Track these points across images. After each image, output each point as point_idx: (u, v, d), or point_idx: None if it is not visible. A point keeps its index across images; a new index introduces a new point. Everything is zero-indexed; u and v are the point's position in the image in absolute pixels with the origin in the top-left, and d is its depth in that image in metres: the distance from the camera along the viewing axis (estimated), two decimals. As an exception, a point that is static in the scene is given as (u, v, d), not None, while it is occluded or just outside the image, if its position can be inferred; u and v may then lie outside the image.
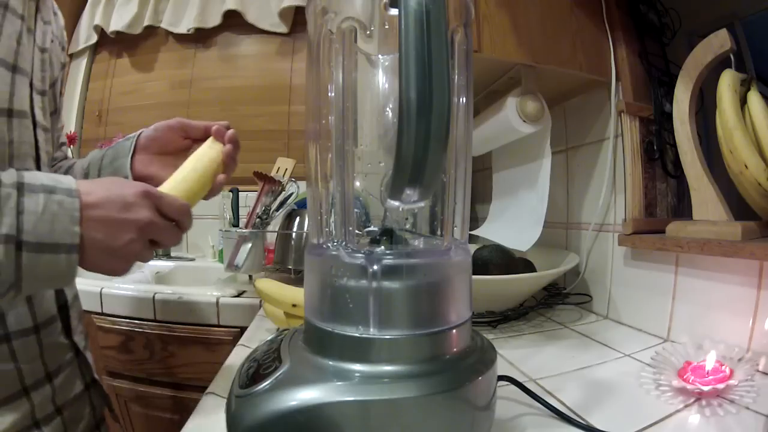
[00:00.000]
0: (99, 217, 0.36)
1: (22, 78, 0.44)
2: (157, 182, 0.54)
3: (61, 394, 0.49)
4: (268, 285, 0.63)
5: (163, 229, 0.40)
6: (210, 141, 0.52)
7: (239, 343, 0.63)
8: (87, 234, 0.35)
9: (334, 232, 0.35)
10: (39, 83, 0.48)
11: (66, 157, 0.67)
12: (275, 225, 1.10)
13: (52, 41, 0.53)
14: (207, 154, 0.50)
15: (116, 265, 0.38)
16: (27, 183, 0.33)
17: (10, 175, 0.33)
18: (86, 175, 0.61)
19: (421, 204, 0.33)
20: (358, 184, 0.35)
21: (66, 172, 0.63)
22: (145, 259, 0.40)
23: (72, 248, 0.34)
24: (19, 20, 0.43)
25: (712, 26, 0.58)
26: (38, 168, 0.48)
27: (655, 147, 0.67)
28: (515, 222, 0.82)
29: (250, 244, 1.02)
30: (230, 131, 0.52)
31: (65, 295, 0.53)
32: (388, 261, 0.30)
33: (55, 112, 0.56)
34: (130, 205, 0.37)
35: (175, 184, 0.45)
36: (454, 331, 0.32)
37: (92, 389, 0.55)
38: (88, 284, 0.98)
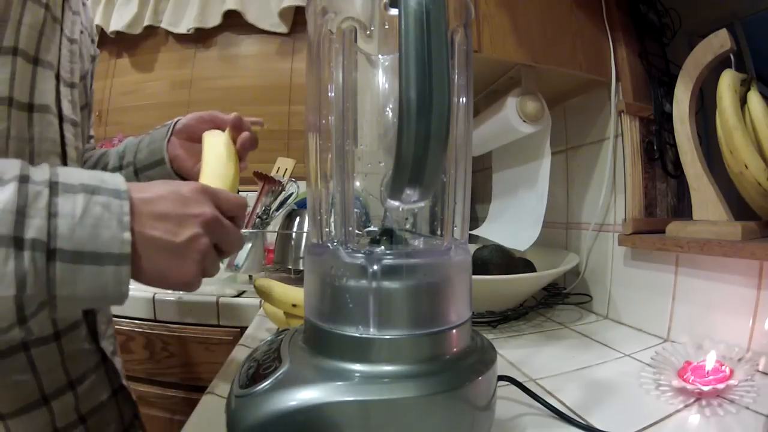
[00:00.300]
0: (155, 212, 0.31)
1: (46, 71, 0.41)
2: (179, 163, 0.57)
3: (86, 401, 0.46)
4: (268, 285, 0.63)
5: (226, 227, 0.35)
6: (211, 133, 0.52)
7: (239, 343, 0.63)
8: (142, 234, 0.30)
9: (334, 232, 0.35)
10: (68, 75, 0.45)
11: (94, 148, 0.67)
12: (275, 225, 1.10)
13: (81, 32, 0.50)
14: (222, 142, 0.50)
15: (182, 268, 0.32)
16: (62, 182, 0.28)
17: (42, 172, 0.28)
18: (122, 158, 0.61)
19: (421, 204, 0.33)
20: (358, 184, 0.35)
21: (98, 160, 0.64)
22: (213, 268, 0.35)
23: (122, 259, 0.28)
24: (42, 9, 0.40)
25: (712, 26, 0.58)
26: (65, 165, 0.45)
27: (655, 147, 0.67)
28: (515, 222, 0.82)
29: (250, 244, 1.02)
30: (248, 118, 0.53)
31: None
32: (388, 261, 0.30)
33: (86, 106, 0.54)
34: (188, 200, 0.33)
35: (215, 178, 0.44)
36: (454, 331, 0.32)
37: (120, 395, 0.53)
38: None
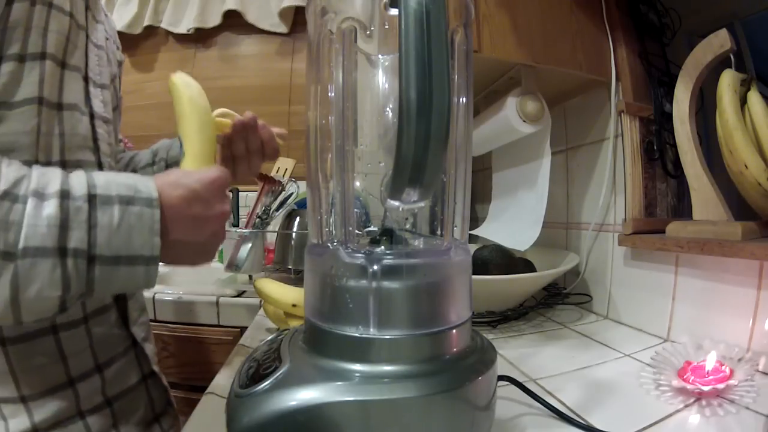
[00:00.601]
0: (182, 216, 0.35)
1: (73, 73, 0.44)
2: None
3: (113, 385, 0.48)
4: (268, 285, 0.63)
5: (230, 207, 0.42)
6: (184, 81, 0.51)
7: (239, 343, 0.63)
8: (170, 237, 0.34)
9: (334, 232, 0.35)
10: (97, 77, 0.49)
11: (123, 150, 0.70)
12: (275, 225, 1.10)
13: (107, 39, 0.54)
14: (198, 94, 0.50)
15: (205, 257, 0.40)
16: (99, 194, 0.31)
17: (80, 184, 0.31)
18: (154, 155, 0.67)
19: (421, 204, 0.33)
20: (358, 184, 0.35)
21: (129, 162, 0.68)
22: (222, 241, 0.42)
23: (151, 260, 0.33)
24: (66, 17, 0.42)
25: (712, 26, 0.58)
26: (98, 160, 0.48)
27: (655, 147, 0.67)
28: (515, 222, 0.82)
29: (250, 244, 1.02)
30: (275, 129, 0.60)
31: None
32: (388, 261, 0.30)
33: (117, 108, 0.57)
34: (208, 202, 0.37)
35: (202, 160, 0.47)
36: (454, 331, 0.32)
37: (150, 381, 0.54)
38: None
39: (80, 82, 0.45)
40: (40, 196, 0.29)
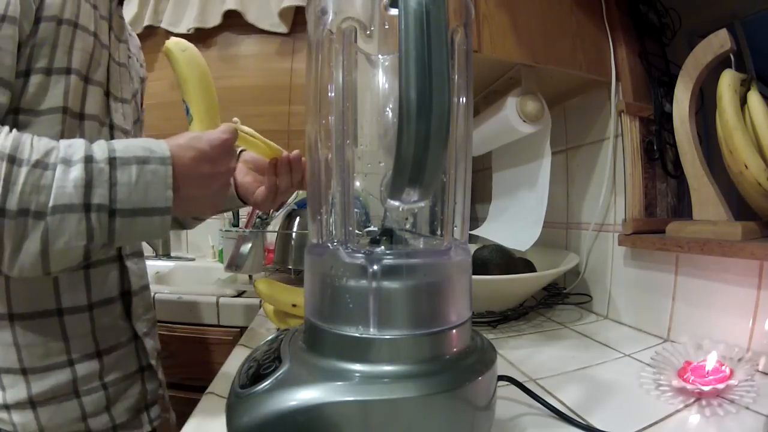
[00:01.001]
0: (192, 174, 0.39)
1: (95, 87, 0.48)
2: (245, 190, 0.64)
3: (111, 371, 0.51)
4: (268, 285, 0.63)
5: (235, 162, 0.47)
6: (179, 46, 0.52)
7: (239, 343, 0.63)
8: (181, 193, 0.38)
9: (334, 232, 0.35)
10: (118, 92, 0.53)
11: None
12: (275, 225, 1.10)
13: (129, 57, 0.58)
14: (200, 63, 0.52)
15: (210, 208, 0.45)
16: (119, 157, 0.36)
17: (101, 150, 0.36)
18: None
19: (421, 204, 0.33)
20: (358, 184, 0.35)
21: None
22: (227, 192, 0.46)
23: (165, 210, 0.37)
24: (91, 37, 0.47)
25: (712, 26, 0.58)
26: None
27: (655, 147, 0.67)
28: (515, 222, 0.82)
29: (250, 244, 1.02)
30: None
31: (130, 282, 0.55)
32: (388, 261, 0.30)
33: (138, 121, 0.61)
34: (216, 159, 0.41)
35: (209, 121, 0.48)
36: (454, 331, 0.32)
37: (146, 373, 0.57)
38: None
39: (102, 96, 0.50)
40: (67, 162, 0.34)
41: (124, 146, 0.37)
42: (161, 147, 0.38)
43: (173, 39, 0.50)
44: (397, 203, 0.31)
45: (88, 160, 0.35)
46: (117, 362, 0.52)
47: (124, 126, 0.54)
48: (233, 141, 0.43)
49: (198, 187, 0.41)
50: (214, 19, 1.56)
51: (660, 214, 0.69)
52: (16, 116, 0.41)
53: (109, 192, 0.35)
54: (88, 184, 0.34)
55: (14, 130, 0.35)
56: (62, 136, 0.43)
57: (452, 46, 0.33)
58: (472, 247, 0.78)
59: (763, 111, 0.54)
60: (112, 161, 0.35)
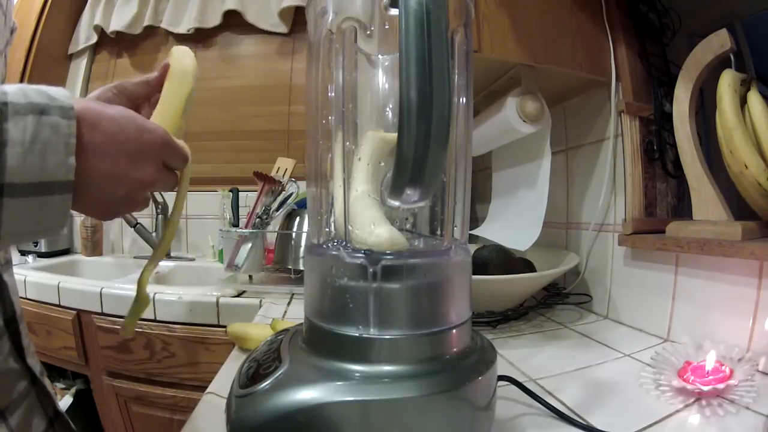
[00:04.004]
0: (100, 168, 0.28)
1: None
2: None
3: None
4: (241, 328, 0.62)
5: (164, 182, 0.34)
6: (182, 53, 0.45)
7: (239, 343, 0.63)
8: (82, 179, 0.27)
9: (334, 232, 0.35)
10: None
11: None
12: (275, 225, 1.10)
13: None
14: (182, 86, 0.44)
15: (104, 215, 0.33)
16: (11, 102, 0.24)
17: None
18: None
19: (422, 204, 0.33)
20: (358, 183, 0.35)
21: None
22: (137, 209, 0.35)
23: (66, 186, 0.26)
24: None
25: (712, 26, 0.58)
26: None
27: (655, 147, 0.67)
28: (515, 222, 0.82)
29: (250, 244, 1.02)
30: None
31: (13, 304, 0.42)
32: (388, 261, 0.30)
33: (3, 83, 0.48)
34: (139, 157, 0.30)
35: (168, 121, 0.40)
36: (454, 331, 0.32)
37: (57, 425, 0.44)
38: (88, 284, 0.98)
39: None
40: None
41: (17, 88, 0.25)
42: (63, 94, 0.27)
43: (183, 47, 0.45)
44: (397, 203, 0.31)
45: None
46: (23, 422, 0.39)
47: None
48: (170, 147, 0.33)
49: (102, 184, 0.29)
50: (214, 19, 1.56)
51: (660, 214, 0.69)
52: None
53: None
54: None
55: None
56: None
57: (452, 46, 0.33)
58: (472, 247, 0.78)
59: (763, 111, 0.54)
60: (2, 108, 0.24)
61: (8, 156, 0.23)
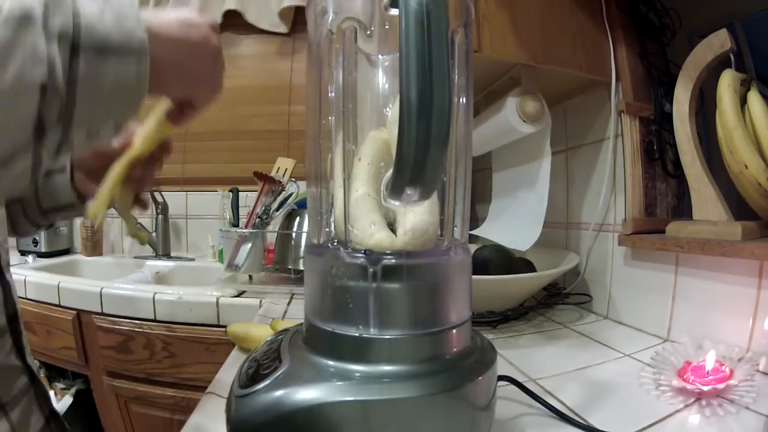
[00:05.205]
0: (173, 36, 0.31)
1: None
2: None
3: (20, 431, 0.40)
4: (241, 328, 0.62)
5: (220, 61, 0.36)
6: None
7: (239, 343, 0.63)
8: (158, 30, 0.29)
9: (334, 232, 0.35)
10: None
11: None
12: (275, 225, 1.10)
13: None
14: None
15: (202, 84, 0.35)
16: None
17: None
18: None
19: (422, 204, 0.33)
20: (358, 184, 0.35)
21: None
22: (221, 82, 0.37)
23: (142, 51, 0.27)
24: None
25: (712, 26, 0.58)
26: None
27: (655, 147, 0.67)
28: (515, 222, 0.82)
29: (250, 244, 1.02)
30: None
31: (14, 303, 0.43)
32: (388, 261, 0.30)
33: None
34: (205, 33, 0.33)
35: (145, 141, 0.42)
36: (454, 331, 0.32)
37: (53, 425, 0.45)
38: (87, 284, 0.98)
39: None
40: None
41: None
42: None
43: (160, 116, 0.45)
44: (397, 203, 0.31)
45: None
46: (23, 417, 0.40)
47: None
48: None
49: (174, 28, 0.31)
50: (214, 19, 1.56)
51: (660, 214, 0.69)
52: None
53: (72, 21, 0.24)
54: (47, 4, 0.23)
55: None
56: None
57: (452, 46, 0.33)
58: (472, 247, 0.78)
59: (763, 111, 0.54)
60: None
61: (82, 22, 0.24)
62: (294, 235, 1.03)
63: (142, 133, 0.43)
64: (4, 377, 0.40)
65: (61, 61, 0.24)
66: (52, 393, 0.95)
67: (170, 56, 0.31)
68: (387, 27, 0.34)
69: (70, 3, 0.25)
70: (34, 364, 0.45)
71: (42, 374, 0.47)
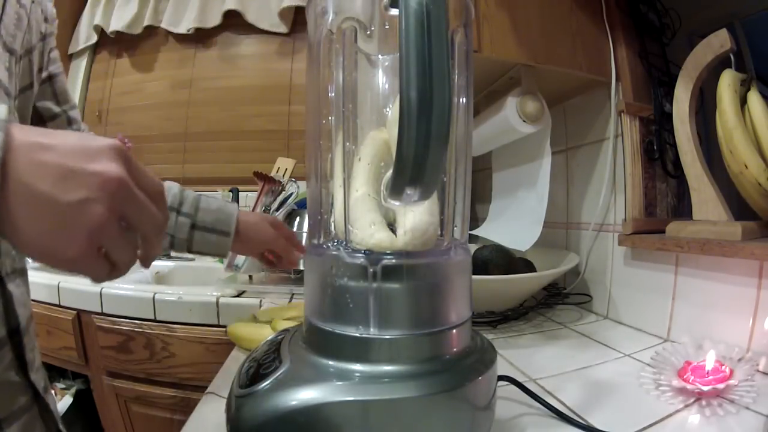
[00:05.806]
0: (42, 160, 0.23)
1: None
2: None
3: None
4: (239, 328, 0.61)
5: (140, 202, 0.27)
6: None
7: (239, 343, 0.62)
8: (19, 180, 0.23)
9: (334, 232, 0.35)
10: (9, 38, 0.39)
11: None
12: (275, 225, 1.10)
13: (33, 1, 0.45)
14: None
15: (67, 238, 0.24)
16: None
17: None
18: (180, 204, 0.62)
19: (422, 204, 0.33)
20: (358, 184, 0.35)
21: None
22: (120, 254, 0.27)
23: None
24: None
25: (712, 26, 0.58)
26: None
27: (655, 147, 0.67)
28: (515, 222, 0.82)
29: (250, 244, 1.01)
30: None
31: (18, 317, 0.40)
32: (388, 261, 0.30)
33: (30, 87, 0.46)
34: (93, 155, 0.25)
35: None
36: (454, 331, 0.32)
37: None
38: (88, 284, 0.98)
39: None
40: None
41: None
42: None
43: None
44: (397, 203, 0.31)
45: None
46: None
47: (7, 85, 0.39)
48: (128, 154, 0.27)
49: (43, 180, 0.23)
50: (214, 19, 1.56)
51: (660, 214, 0.69)
52: None
53: None
54: None
55: None
56: None
57: (452, 46, 0.33)
58: (472, 247, 0.78)
59: (763, 111, 0.54)
60: None
61: None
62: (294, 235, 1.03)
63: None
64: (3, 393, 0.38)
65: None
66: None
67: (30, 216, 0.24)
68: (387, 27, 0.34)
69: None
70: (41, 381, 0.43)
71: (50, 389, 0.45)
